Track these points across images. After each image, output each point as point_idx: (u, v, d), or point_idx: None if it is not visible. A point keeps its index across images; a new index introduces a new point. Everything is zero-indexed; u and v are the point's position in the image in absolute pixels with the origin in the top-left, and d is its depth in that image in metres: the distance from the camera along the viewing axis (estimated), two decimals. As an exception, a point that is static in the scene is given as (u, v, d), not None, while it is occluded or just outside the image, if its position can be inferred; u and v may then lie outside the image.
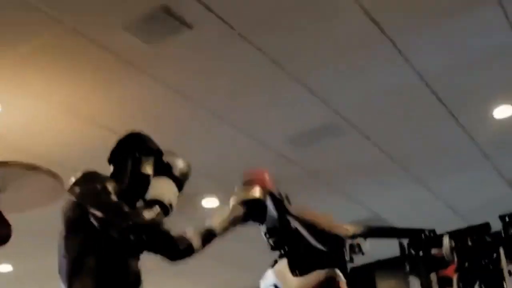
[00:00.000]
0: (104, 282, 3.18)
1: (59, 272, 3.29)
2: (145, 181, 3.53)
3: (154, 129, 6.34)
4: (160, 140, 6.58)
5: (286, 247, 4.37)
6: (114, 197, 3.22)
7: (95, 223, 3.16)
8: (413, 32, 5.49)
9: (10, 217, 5.49)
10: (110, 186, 3.29)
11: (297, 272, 4.16)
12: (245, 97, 6.04)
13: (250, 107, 6.22)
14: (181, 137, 6.60)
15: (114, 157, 3.68)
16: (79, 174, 3.40)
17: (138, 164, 3.59)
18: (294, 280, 4.15)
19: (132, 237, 3.15)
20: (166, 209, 3.32)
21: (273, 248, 4.40)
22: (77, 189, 3.31)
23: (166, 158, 3.47)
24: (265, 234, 4.45)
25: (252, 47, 5.44)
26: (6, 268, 9.69)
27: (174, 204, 3.33)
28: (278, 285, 4.23)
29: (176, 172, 3.43)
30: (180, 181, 3.43)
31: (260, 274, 4.51)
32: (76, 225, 3.26)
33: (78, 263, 3.18)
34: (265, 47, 5.49)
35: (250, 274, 10.80)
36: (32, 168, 5.15)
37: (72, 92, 5.67)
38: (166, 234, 3.30)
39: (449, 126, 6.86)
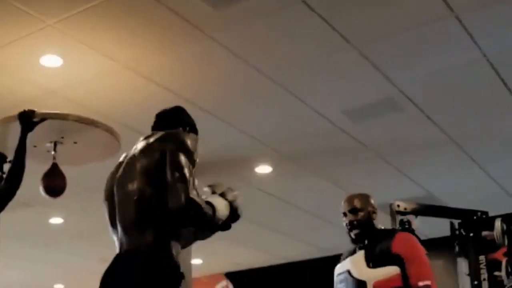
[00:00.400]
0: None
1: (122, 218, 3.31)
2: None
3: (213, 92, 6.41)
4: (218, 104, 6.66)
5: (366, 241, 4.56)
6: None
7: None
8: (480, 11, 5.38)
9: (65, 169, 5.57)
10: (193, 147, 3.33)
11: (371, 265, 4.38)
12: (306, 67, 6.01)
13: (311, 77, 6.18)
14: (239, 102, 6.61)
15: (164, 126, 3.61)
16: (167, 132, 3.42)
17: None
18: (367, 270, 4.39)
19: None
20: (214, 216, 3.26)
21: (354, 241, 4.61)
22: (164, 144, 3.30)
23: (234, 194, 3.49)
24: (346, 225, 4.64)
25: (319, 18, 5.40)
26: (57, 220, 9.85)
27: (217, 223, 3.32)
28: (352, 271, 4.46)
29: (234, 204, 3.43)
30: (232, 217, 3.41)
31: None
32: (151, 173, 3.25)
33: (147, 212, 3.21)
34: (331, 19, 5.44)
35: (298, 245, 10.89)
36: (90, 122, 5.20)
37: (136, 51, 5.69)
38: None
39: (511, 109, 6.75)
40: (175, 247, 3.23)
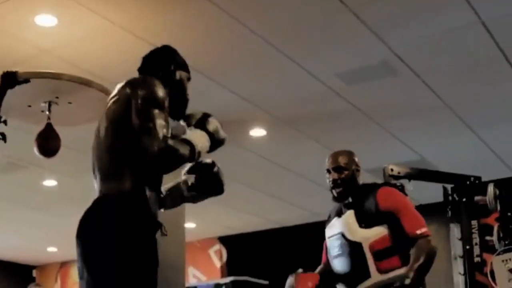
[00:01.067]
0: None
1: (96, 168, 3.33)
2: (182, 86, 3.60)
3: (208, 54, 6.40)
4: (213, 66, 6.64)
5: (350, 198, 4.55)
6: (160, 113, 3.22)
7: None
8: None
9: (59, 132, 5.58)
10: (162, 93, 3.31)
11: (363, 225, 4.36)
12: (302, 29, 5.99)
13: (307, 40, 6.16)
14: (235, 64, 6.60)
15: (150, 67, 3.65)
16: (135, 77, 3.45)
17: (174, 73, 3.59)
18: (361, 231, 4.36)
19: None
20: (194, 154, 3.26)
21: (336, 199, 4.60)
22: (128, 90, 3.31)
23: (209, 120, 3.46)
24: (330, 183, 4.61)
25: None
26: (51, 183, 9.86)
27: (201, 155, 3.33)
28: (345, 233, 4.43)
29: (211, 131, 3.41)
30: (213, 141, 3.41)
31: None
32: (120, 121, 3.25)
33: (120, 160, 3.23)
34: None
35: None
36: (84, 82, 5.21)
37: (131, 11, 5.66)
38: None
39: (505, 74, 6.75)
40: (150, 194, 3.25)
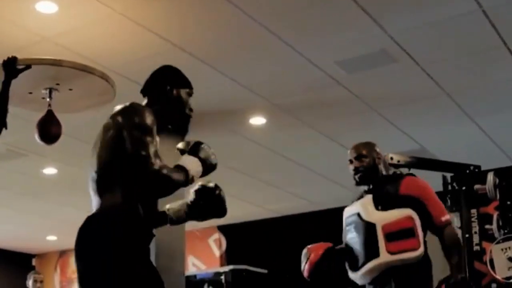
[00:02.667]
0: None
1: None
2: (180, 103, 3.76)
3: (209, 41, 6.40)
4: (213, 53, 6.64)
5: (371, 184, 4.83)
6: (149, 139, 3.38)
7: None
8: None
9: (60, 120, 5.58)
10: (150, 121, 3.45)
11: (380, 208, 4.64)
12: (301, 16, 5.98)
13: (306, 27, 6.16)
14: (235, 52, 6.59)
15: (148, 89, 3.78)
16: (125, 105, 3.54)
17: (171, 92, 3.74)
18: (376, 213, 4.64)
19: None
20: (187, 179, 3.41)
21: (358, 183, 4.88)
22: (119, 119, 3.44)
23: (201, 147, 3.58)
24: (352, 171, 4.88)
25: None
26: (51, 171, 9.86)
27: (194, 180, 3.48)
28: (361, 214, 4.69)
29: (203, 157, 3.53)
30: (204, 167, 3.53)
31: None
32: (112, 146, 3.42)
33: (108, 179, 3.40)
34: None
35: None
36: (85, 69, 5.21)
37: (133, -2, 5.67)
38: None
39: (505, 61, 6.75)
40: (142, 209, 3.39)
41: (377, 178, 4.81)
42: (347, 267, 4.84)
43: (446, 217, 4.64)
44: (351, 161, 4.89)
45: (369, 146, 4.94)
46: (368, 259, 4.58)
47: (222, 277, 11.17)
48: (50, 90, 5.44)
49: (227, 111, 7.83)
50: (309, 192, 10.88)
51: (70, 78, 5.25)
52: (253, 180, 10.14)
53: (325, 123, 8.24)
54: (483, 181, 6.38)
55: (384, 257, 4.51)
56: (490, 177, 6.33)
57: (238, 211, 11.82)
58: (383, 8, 5.91)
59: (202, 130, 8.26)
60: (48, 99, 5.46)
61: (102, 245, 3.26)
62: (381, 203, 4.64)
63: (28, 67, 4.58)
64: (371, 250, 4.57)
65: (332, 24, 6.14)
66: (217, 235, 12.87)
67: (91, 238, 3.32)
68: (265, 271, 11.61)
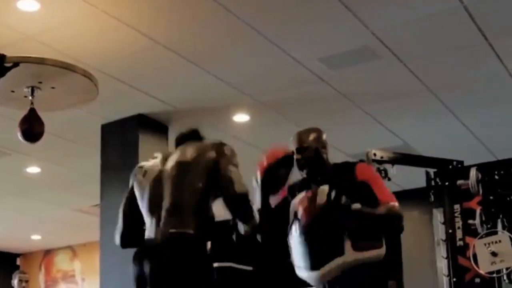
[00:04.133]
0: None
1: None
2: None
3: (191, 38, 6.40)
4: (196, 50, 6.64)
5: (319, 178, 4.43)
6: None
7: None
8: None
9: (43, 118, 5.56)
10: None
11: None
12: (285, 13, 5.99)
13: (289, 24, 6.17)
14: (218, 49, 6.60)
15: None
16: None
17: None
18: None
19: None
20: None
21: (307, 180, 4.47)
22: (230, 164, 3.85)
23: None
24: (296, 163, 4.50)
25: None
26: (34, 170, 9.84)
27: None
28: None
29: None
30: None
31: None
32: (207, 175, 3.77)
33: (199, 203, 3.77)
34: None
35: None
36: (67, 66, 5.18)
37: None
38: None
39: (487, 58, 6.79)
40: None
41: (324, 170, 4.41)
42: (297, 265, 4.37)
43: (395, 203, 4.23)
44: (293, 152, 4.50)
45: (311, 135, 4.55)
46: (330, 257, 4.14)
47: (207, 274, 11.16)
48: (33, 89, 5.40)
49: (210, 108, 7.83)
50: (293, 188, 10.89)
51: (52, 76, 5.22)
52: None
53: (309, 120, 8.20)
54: (466, 177, 6.39)
55: (350, 255, 4.11)
56: (473, 172, 6.34)
57: (221, 208, 11.82)
58: (366, 5, 5.92)
59: (185, 127, 8.27)
60: (30, 98, 5.43)
61: (192, 268, 3.66)
62: (342, 195, 4.19)
63: (16, 65, 4.55)
64: (333, 247, 4.13)
65: (315, 21, 6.15)
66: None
67: (183, 259, 3.64)
68: (250, 268, 11.61)
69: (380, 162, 6.22)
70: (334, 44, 6.53)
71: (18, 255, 15.14)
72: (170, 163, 3.88)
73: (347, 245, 4.11)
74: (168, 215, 3.69)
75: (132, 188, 3.98)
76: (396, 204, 4.24)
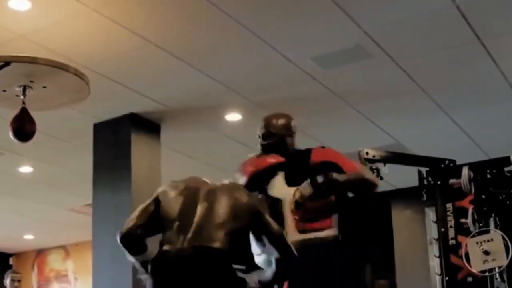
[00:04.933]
0: None
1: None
2: None
3: (183, 37, 6.39)
4: (188, 49, 6.63)
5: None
6: None
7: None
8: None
9: (36, 118, 5.55)
10: None
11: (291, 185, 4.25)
12: (275, 10, 5.98)
13: (282, 23, 6.17)
14: (210, 48, 6.59)
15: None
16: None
17: None
18: (285, 188, 4.29)
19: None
20: None
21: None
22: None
23: None
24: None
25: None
26: (27, 169, 9.82)
27: None
28: (268, 191, 4.37)
29: None
30: None
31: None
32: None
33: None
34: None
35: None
36: (59, 65, 5.18)
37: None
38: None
39: (479, 57, 6.80)
40: None
41: (286, 156, 4.40)
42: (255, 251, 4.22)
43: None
44: (259, 136, 4.58)
45: (279, 122, 4.58)
46: None
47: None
48: (24, 88, 5.40)
49: (203, 107, 7.83)
50: (286, 188, 10.89)
51: (44, 76, 5.22)
52: (229, 176, 10.11)
53: (301, 119, 8.16)
54: (458, 176, 6.38)
55: (293, 235, 4.11)
56: (465, 171, 6.34)
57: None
58: (358, 4, 5.93)
59: (178, 126, 8.27)
60: (22, 97, 5.42)
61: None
62: (293, 180, 4.23)
63: (6, 64, 4.54)
64: None
65: (307, 20, 6.15)
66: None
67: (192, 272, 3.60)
68: (243, 267, 11.60)
69: (373, 161, 6.21)
70: (327, 44, 6.53)
71: (10, 254, 15.12)
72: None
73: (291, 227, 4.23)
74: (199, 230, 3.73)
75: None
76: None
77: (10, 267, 14.29)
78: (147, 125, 8.11)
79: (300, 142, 8.88)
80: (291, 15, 6.05)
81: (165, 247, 3.69)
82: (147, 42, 6.34)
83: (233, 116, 8.17)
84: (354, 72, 7.06)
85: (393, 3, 5.92)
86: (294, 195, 4.26)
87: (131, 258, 3.92)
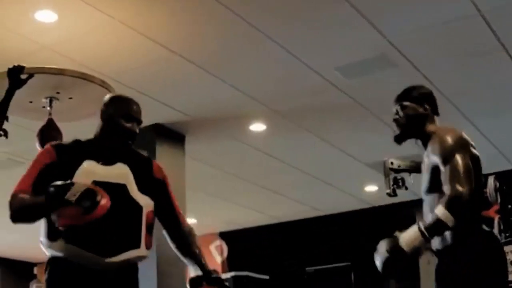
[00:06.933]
0: None
1: None
2: None
3: (208, 48, 6.41)
4: (212, 60, 6.65)
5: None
6: None
7: None
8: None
9: (60, 126, 5.59)
10: None
11: (141, 190, 3.78)
12: (300, 20, 5.99)
13: (306, 33, 6.17)
14: (234, 58, 6.61)
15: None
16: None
17: None
18: (140, 195, 3.77)
19: None
20: None
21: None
22: None
23: None
24: None
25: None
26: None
27: None
28: (129, 188, 3.76)
29: None
30: None
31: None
32: None
33: None
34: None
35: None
36: (85, 77, 5.22)
37: (130, 5, 5.66)
38: None
39: (504, 64, 6.77)
40: None
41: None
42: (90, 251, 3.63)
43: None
44: None
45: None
46: (127, 247, 3.66)
47: (224, 283, 11.17)
48: (51, 99, 5.45)
49: (227, 117, 7.84)
50: (309, 197, 10.88)
51: (70, 87, 5.27)
52: (254, 186, 10.14)
53: (325, 129, 8.26)
54: (484, 185, 6.36)
55: (143, 251, 3.73)
56: (491, 181, 6.29)
57: (239, 217, 11.84)
58: (382, 13, 5.92)
59: (202, 137, 8.29)
60: (48, 108, 5.48)
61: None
62: (140, 185, 3.75)
63: (31, 76, 4.57)
64: (132, 237, 3.70)
65: (331, 30, 6.15)
66: (218, 241, 12.86)
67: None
68: (266, 277, 11.62)
69: (398, 171, 6.17)
70: (351, 53, 6.53)
71: (35, 264, 15.16)
72: None
73: (143, 238, 3.76)
74: None
75: None
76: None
77: (35, 276, 14.35)
78: (172, 135, 8.13)
79: (326, 152, 8.94)
80: (315, 25, 6.06)
81: None
82: (172, 53, 6.36)
83: (257, 126, 8.17)
84: (378, 81, 7.05)
85: (417, 12, 5.91)
86: None
87: None
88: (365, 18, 5.92)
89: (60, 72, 5.16)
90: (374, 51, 6.49)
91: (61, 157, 3.80)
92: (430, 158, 4.19)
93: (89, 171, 3.69)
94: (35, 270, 15.04)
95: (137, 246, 3.71)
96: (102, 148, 3.83)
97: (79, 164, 3.71)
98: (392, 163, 6.20)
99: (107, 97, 4.04)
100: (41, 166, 3.85)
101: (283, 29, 6.11)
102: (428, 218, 3.89)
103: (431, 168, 4.17)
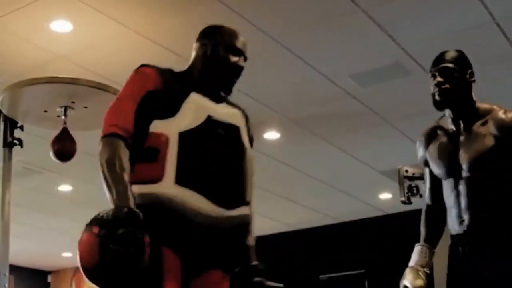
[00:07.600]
0: None
1: None
2: None
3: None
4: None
5: None
6: None
7: None
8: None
9: (75, 137, 5.60)
10: None
11: None
12: (314, 29, 6.00)
13: (320, 41, 6.19)
14: (248, 67, 6.54)
15: None
16: None
17: None
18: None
19: None
20: None
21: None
22: None
23: None
24: None
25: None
26: (66, 188, 9.91)
27: None
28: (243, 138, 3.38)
29: None
30: None
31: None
32: None
33: None
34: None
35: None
36: (101, 87, 5.23)
37: (145, 15, 5.69)
38: None
39: (519, 73, 6.77)
40: None
41: None
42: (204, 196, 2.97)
43: None
44: None
45: None
46: (239, 201, 3.18)
47: (238, 291, 11.16)
48: (66, 108, 5.45)
49: (241, 126, 7.83)
50: (323, 205, 10.87)
51: (85, 96, 5.27)
52: (268, 194, 10.14)
53: (339, 137, 8.25)
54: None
55: (250, 209, 3.31)
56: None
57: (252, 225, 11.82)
58: (396, 21, 5.93)
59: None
60: (63, 117, 5.49)
61: None
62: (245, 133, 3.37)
63: None
64: (242, 191, 3.24)
65: (345, 38, 6.16)
66: (232, 249, 12.85)
67: None
68: (280, 285, 11.59)
69: (412, 178, 6.17)
70: (365, 61, 6.54)
71: (49, 272, 15.21)
72: None
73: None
74: None
75: None
76: None
77: (49, 284, 14.40)
78: (186, 143, 8.12)
79: (340, 159, 8.92)
80: (329, 33, 6.07)
81: None
82: (186, 61, 6.36)
83: (271, 134, 8.18)
84: (392, 89, 7.05)
85: (432, 20, 5.91)
86: None
87: None
88: (379, 26, 5.93)
89: (75, 81, 5.17)
90: (388, 59, 6.49)
91: (166, 84, 3.18)
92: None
93: (200, 105, 3.14)
94: (50, 278, 15.10)
95: (246, 202, 3.22)
96: (206, 82, 3.30)
97: (185, 95, 3.13)
98: (406, 171, 6.20)
99: (207, 27, 3.55)
100: (142, 94, 3.14)
101: (297, 37, 6.12)
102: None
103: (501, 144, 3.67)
